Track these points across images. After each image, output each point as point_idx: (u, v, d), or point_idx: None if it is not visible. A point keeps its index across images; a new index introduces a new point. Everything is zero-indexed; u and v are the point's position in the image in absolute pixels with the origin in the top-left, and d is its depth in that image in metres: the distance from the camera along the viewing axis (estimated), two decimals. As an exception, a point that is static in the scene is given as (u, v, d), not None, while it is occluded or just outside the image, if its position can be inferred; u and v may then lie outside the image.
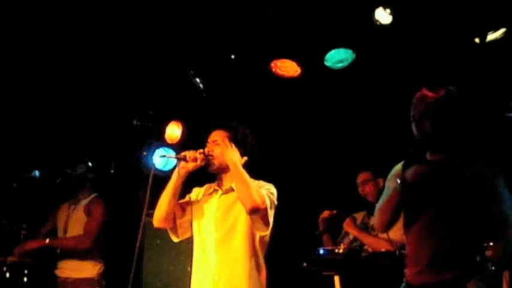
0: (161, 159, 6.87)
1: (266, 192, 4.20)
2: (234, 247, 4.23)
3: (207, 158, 4.33)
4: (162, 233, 4.65)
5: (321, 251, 5.55)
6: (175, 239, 4.49)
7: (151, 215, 4.41)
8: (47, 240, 6.30)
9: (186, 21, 6.43)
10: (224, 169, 4.36)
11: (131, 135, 7.42)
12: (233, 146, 4.36)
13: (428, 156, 3.73)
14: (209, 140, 4.44)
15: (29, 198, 7.21)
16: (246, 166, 4.35)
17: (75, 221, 6.37)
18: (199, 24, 6.50)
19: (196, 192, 4.54)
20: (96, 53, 6.70)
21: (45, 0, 6.01)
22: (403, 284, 3.76)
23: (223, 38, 6.70)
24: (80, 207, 6.43)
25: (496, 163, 3.66)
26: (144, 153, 7.19)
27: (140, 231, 4.28)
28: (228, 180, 4.40)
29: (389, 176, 3.86)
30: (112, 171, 7.34)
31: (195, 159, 4.28)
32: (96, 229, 6.28)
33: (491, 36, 5.82)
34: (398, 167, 3.77)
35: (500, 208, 3.55)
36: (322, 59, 6.67)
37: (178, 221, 4.40)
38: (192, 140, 7.12)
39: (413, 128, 3.70)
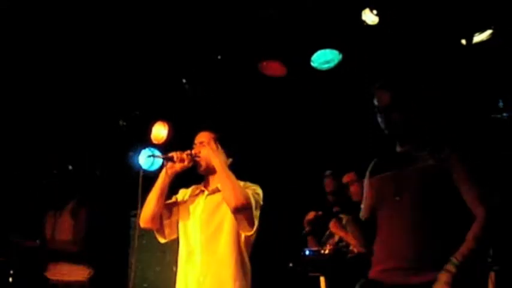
0: (147, 159, 6.88)
1: (251, 192, 4.23)
2: (220, 248, 4.25)
3: (194, 159, 4.36)
4: (147, 233, 4.66)
5: (307, 252, 5.55)
6: (161, 240, 4.49)
7: (137, 216, 4.40)
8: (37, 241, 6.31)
9: (171, 22, 6.41)
10: (211, 170, 4.39)
11: (117, 135, 7.40)
12: (219, 147, 4.38)
13: (397, 148, 3.63)
14: (196, 141, 4.48)
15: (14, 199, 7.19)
16: (231, 167, 4.38)
17: (62, 226, 6.37)
18: (185, 25, 6.49)
19: (182, 194, 4.56)
20: (82, 54, 6.67)
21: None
22: (363, 280, 3.69)
23: (210, 38, 6.69)
24: (65, 212, 6.41)
25: (462, 149, 3.49)
26: (130, 153, 7.18)
27: (136, 233, 4.25)
28: (214, 181, 4.42)
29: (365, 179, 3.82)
30: (97, 172, 7.31)
31: (182, 160, 4.32)
32: (83, 232, 6.26)
33: (477, 38, 5.83)
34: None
35: (472, 190, 3.36)
36: (308, 60, 6.67)
37: (165, 222, 4.41)
38: (178, 140, 7.15)
39: (379, 119, 3.58)
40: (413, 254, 3.35)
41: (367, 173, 3.75)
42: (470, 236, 3.25)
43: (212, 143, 4.36)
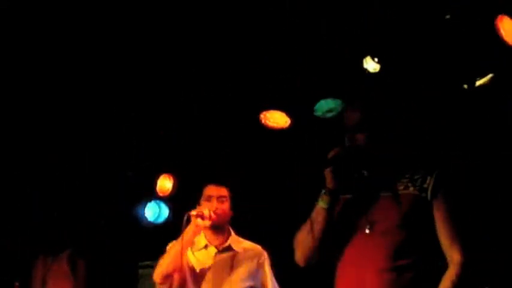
0: (154, 211, 6.89)
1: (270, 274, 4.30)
2: None
3: (217, 216, 4.29)
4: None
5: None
6: None
7: (144, 267, 4.35)
8: None
9: (173, 72, 6.45)
10: (220, 226, 4.36)
11: (124, 187, 7.39)
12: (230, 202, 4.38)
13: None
14: (214, 194, 4.40)
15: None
16: (232, 220, 4.46)
17: (57, 277, 6.04)
18: (186, 76, 6.53)
19: (178, 247, 4.34)
20: (81, 101, 6.68)
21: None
22: None
23: (212, 89, 6.72)
24: (61, 261, 6.10)
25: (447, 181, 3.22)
26: (136, 205, 7.18)
27: None
28: (221, 238, 4.38)
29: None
30: (102, 222, 7.28)
31: (210, 218, 4.24)
32: None
33: (479, 82, 5.87)
34: None
35: (451, 232, 3.11)
36: (312, 109, 6.69)
37: (175, 276, 4.30)
38: (183, 192, 7.15)
39: (346, 139, 3.33)
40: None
41: None
42: (446, 281, 3.04)
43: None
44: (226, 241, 4.37)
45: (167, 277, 4.24)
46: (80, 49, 6.12)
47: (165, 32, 5.96)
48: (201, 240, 4.42)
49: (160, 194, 7.23)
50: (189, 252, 4.33)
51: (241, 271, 4.22)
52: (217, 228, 4.36)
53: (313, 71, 6.38)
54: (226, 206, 4.35)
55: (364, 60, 6.15)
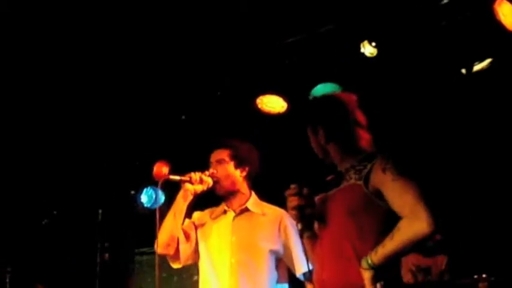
0: (150, 196, 6.89)
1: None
2: (255, 271, 4.11)
3: (214, 180, 4.20)
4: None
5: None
6: (176, 266, 4.34)
7: (142, 254, 4.34)
8: None
9: (173, 58, 6.42)
10: (232, 189, 4.27)
11: (119, 174, 7.39)
12: (234, 163, 4.25)
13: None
14: (212, 159, 4.31)
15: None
16: (248, 179, 4.31)
17: None
18: (185, 62, 6.50)
19: (198, 217, 4.39)
20: (87, 93, 6.67)
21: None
22: None
23: (209, 74, 6.69)
24: None
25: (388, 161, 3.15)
26: (132, 192, 7.17)
27: (157, 271, 4.08)
28: (239, 201, 4.30)
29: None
30: (100, 211, 7.26)
31: (201, 181, 4.15)
32: None
33: (477, 67, 5.83)
34: None
35: (407, 201, 2.98)
36: (308, 94, 6.65)
37: (181, 247, 4.23)
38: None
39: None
40: (340, 282, 3.15)
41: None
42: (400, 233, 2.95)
43: None
44: (244, 203, 4.28)
45: (166, 246, 4.16)
46: (79, 49, 6.14)
47: (162, 17, 5.94)
48: (219, 208, 4.36)
49: (157, 180, 7.21)
50: (226, 219, 4.27)
51: (262, 234, 4.13)
52: (229, 191, 4.27)
53: (310, 54, 6.34)
54: (225, 168, 4.22)
55: (362, 45, 6.11)
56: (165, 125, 7.24)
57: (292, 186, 3.29)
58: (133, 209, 7.10)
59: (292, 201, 3.25)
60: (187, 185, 4.15)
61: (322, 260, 3.26)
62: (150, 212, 7.10)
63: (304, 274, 4.06)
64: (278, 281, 4.15)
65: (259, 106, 6.88)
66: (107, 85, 6.61)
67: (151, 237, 4.22)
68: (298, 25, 6.06)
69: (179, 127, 7.22)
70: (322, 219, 3.28)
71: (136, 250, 6.78)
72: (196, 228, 4.33)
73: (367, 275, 2.99)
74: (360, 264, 3.03)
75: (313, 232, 3.35)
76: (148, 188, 7.08)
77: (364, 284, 3.00)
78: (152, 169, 7.27)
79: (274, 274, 4.14)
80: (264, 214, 4.26)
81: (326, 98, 3.65)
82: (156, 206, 6.88)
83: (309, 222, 3.32)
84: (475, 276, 5.58)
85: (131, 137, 7.27)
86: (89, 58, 6.24)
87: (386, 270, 2.99)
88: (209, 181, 4.17)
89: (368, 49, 6.09)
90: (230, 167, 4.25)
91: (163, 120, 7.23)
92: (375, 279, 2.97)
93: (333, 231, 3.22)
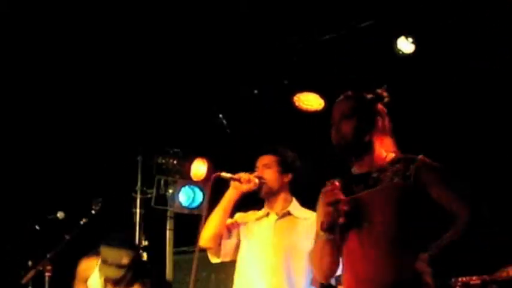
0: (187, 196, 6.91)
1: None
2: (293, 272, 4.30)
3: (260, 182, 4.40)
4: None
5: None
6: (215, 260, 4.55)
7: (180, 253, 4.38)
8: None
9: (209, 57, 6.45)
10: (275, 193, 4.47)
11: (156, 172, 7.41)
12: (280, 169, 4.45)
13: (354, 169, 3.37)
14: (259, 164, 4.51)
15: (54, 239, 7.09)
16: (290, 185, 4.50)
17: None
18: (222, 60, 6.53)
19: (241, 217, 4.59)
20: (119, 88, 6.75)
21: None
22: None
23: (246, 72, 6.71)
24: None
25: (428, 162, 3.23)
26: (170, 191, 7.19)
27: (194, 265, 4.20)
28: (279, 204, 4.48)
29: (317, 211, 3.49)
30: (137, 210, 7.31)
31: (249, 181, 4.36)
32: None
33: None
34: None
35: (455, 195, 3.11)
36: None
37: (223, 243, 4.45)
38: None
39: (332, 133, 3.35)
40: (390, 279, 3.13)
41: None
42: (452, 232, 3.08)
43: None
44: (286, 207, 4.48)
45: (209, 240, 4.37)
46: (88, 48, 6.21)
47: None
48: (261, 211, 4.56)
49: (195, 179, 7.24)
50: (268, 220, 4.47)
51: (302, 237, 4.33)
52: (272, 194, 4.47)
53: (346, 52, 6.33)
54: (271, 172, 4.44)
55: (398, 41, 6.06)
56: (202, 122, 7.28)
57: (329, 182, 3.28)
58: (171, 208, 7.13)
59: (329, 197, 3.21)
60: (236, 184, 4.37)
61: (366, 259, 3.21)
62: (189, 211, 7.13)
63: (336, 278, 4.12)
64: (312, 284, 4.31)
65: (297, 104, 6.88)
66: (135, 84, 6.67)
67: (190, 236, 4.32)
68: (335, 22, 6.06)
69: (218, 126, 7.25)
70: (360, 219, 3.24)
71: (175, 249, 6.81)
72: (239, 227, 4.53)
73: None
74: (410, 261, 3.09)
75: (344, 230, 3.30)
76: (187, 186, 7.10)
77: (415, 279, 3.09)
78: (190, 168, 7.29)
79: (310, 276, 4.26)
80: (305, 219, 4.42)
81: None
82: (195, 206, 7.01)
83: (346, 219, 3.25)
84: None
85: (167, 134, 7.31)
86: (107, 56, 6.32)
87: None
88: (256, 182, 4.39)
89: (405, 45, 6.05)
90: (276, 172, 4.46)
91: (199, 118, 7.27)
92: None
93: (378, 230, 3.19)
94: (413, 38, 6.01)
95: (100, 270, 5.12)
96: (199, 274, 4.67)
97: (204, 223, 4.33)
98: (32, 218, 7.09)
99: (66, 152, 7.24)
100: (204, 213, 4.36)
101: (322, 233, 3.28)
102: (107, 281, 5.13)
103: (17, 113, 6.81)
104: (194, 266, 4.18)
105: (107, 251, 5.05)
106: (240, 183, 4.35)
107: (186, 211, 7.11)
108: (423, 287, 3.12)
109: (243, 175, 4.37)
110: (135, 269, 5.09)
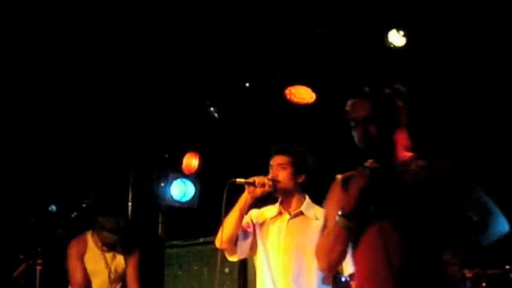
0: (180, 189, 6.91)
1: None
2: (304, 271, 4.37)
3: (274, 183, 4.45)
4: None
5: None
6: (233, 258, 4.62)
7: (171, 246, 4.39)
8: None
9: (200, 51, 6.45)
10: (289, 193, 4.52)
11: (148, 166, 7.42)
12: (294, 169, 4.49)
13: (369, 163, 3.29)
14: (273, 163, 4.54)
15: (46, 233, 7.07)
16: (303, 184, 4.54)
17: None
18: (213, 54, 6.53)
19: (256, 214, 4.64)
20: (112, 84, 6.75)
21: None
22: None
23: (238, 66, 6.70)
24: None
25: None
26: (162, 184, 7.18)
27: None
28: (294, 204, 4.54)
29: (327, 201, 3.52)
30: (130, 203, 7.31)
31: (263, 185, 4.41)
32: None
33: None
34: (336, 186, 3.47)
35: (481, 201, 3.21)
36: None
37: (239, 243, 4.51)
38: (210, 170, 7.15)
39: (355, 132, 3.31)
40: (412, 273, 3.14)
41: (333, 203, 3.45)
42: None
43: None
44: (299, 207, 4.54)
45: (226, 242, 4.44)
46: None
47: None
48: (274, 208, 4.60)
49: (186, 172, 7.23)
50: (282, 220, 4.53)
51: (314, 237, 4.23)
52: (285, 194, 4.52)
53: (338, 45, 6.33)
54: (285, 173, 4.48)
55: (390, 34, 6.06)
56: (194, 116, 7.27)
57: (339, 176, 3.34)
58: (163, 201, 7.13)
59: (360, 182, 3.23)
60: (251, 188, 4.42)
61: (392, 250, 3.18)
62: (180, 204, 7.13)
63: (350, 275, 4.22)
64: (323, 282, 4.40)
65: (288, 97, 6.88)
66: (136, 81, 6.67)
67: (181, 230, 4.33)
68: (327, 17, 6.06)
69: (209, 119, 7.25)
70: (387, 210, 3.23)
71: (166, 243, 6.79)
72: (254, 226, 4.59)
73: None
74: (437, 253, 3.16)
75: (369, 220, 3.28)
76: (179, 180, 7.10)
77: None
78: (181, 161, 7.28)
79: (322, 275, 4.34)
80: (316, 218, 4.45)
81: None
82: (187, 199, 7.00)
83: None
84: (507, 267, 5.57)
85: (159, 128, 7.31)
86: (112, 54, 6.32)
87: None
88: (270, 184, 4.43)
89: (396, 38, 6.04)
90: (290, 172, 4.50)
91: (191, 112, 7.27)
92: None
93: (406, 222, 3.18)
94: (404, 31, 6.02)
95: (98, 238, 5.82)
96: (191, 267, 4.67)
97: (220, 226, 4.40)
98: (24, 212, 7.11)
99: (59, 146, 7.22)
100: (195, 207, 4.39)
101: (339, 220, 3.24)
102: (104, 246, 5.84)
103: (11, 109, 6.79)
104: (218, 259, 4.42)
105: (104, 220, 5.75)
106: (254, 188, 4.40)
107: (177, 205, 7.11)
108: (449, 278, 3.16)
109: (257, 179, 4.42)
110: (128, 232, 5.82)
